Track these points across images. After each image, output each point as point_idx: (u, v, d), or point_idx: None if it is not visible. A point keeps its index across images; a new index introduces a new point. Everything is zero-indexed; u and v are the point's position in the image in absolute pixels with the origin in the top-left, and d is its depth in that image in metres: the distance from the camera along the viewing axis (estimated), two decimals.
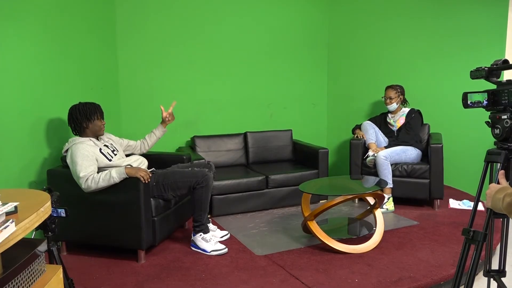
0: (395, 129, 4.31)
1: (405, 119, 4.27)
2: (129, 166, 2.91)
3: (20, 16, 2.83)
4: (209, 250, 3.03)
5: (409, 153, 4.08)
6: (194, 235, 3.10)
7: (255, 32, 4.76)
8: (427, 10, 4.59)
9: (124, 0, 4.13)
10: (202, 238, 3.06)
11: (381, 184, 3.38)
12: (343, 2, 5.05)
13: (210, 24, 4.52)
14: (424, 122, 4.39)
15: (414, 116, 4.26)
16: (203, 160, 3.52)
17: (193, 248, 3.11)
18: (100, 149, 2.95)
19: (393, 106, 4.29)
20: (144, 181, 2.80)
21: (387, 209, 3.90)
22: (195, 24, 4.46)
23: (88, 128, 2.98)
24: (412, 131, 4.21)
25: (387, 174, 3.90)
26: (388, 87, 4.34)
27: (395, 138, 4.26)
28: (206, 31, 4.51)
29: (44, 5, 3.08)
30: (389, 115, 4.41)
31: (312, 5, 5.03)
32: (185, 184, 3.01)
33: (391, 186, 3.94)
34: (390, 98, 4.29)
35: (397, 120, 4.32)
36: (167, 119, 3.41)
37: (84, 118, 2.95)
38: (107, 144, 3.08)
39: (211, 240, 3.08)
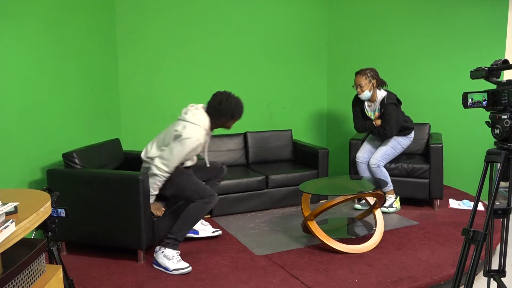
0: (373, 118, 3.95)
1: (379, 113, 3.84)
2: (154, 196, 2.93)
3: (20, 16, 2.83)
4: (171, 269, 2.71)
5: (399, 145, 3.87)
6: (156, 251, 2.80)
7: (255, 33, 4.76)
8: (427, 10, 4.59)
9: (124, 0, 4.14)
10: (164, 255, 2.75)
11: (381, 184, 3.38)
12: (343, 2, 5.05)
13: (210, 25, 4.52)
14: (424, 122, 4.34)
15: (386, 109, 3.75)
16: (219, 162, 3.45)
17: (155, 266, 2.79)
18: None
19: (366, 94, 3.77)
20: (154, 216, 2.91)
21: (396, 208, 3.89)
22: (194, 24, 4.45)
23: (220, 121, 2.90)
24: (389, 126, 3.75)
25: (384, 179, 3.85)
26: (356, 73, 3.79)
27: (376, 133, 3.89)
28: (206, 31, 4.51)
29: (44, 5, 3.08)
30: (366, 103, 3.93)
31: (312, 5, 5.03)
32: (188, 194, 2.87)
33: (392, 187, 3.92)
34: (361, 86, 3.75)
35: (374, 115, 3.89)
36: None
37: (230, 115, 2.88)
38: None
39: (174, 258, 2.75)
